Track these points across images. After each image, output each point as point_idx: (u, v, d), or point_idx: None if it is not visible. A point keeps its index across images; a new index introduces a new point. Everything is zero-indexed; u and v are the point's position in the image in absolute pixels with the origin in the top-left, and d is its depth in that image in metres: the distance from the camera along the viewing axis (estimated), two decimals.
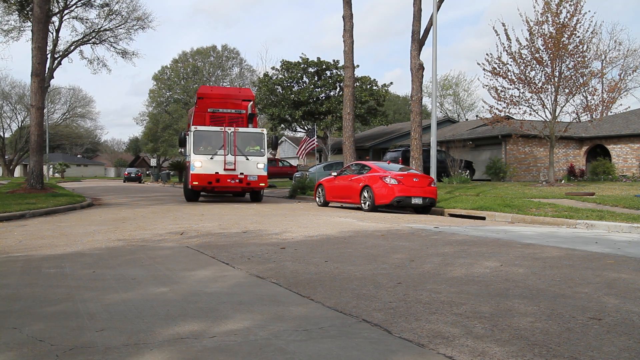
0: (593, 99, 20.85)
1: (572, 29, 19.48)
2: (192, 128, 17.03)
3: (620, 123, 30.71)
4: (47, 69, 21.99)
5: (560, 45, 19.26)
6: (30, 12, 24.78)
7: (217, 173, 16.74)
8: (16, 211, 11.61)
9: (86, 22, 32.81)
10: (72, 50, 32.72)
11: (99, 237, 8.05)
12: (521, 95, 20.65)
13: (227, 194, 19.22)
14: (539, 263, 5.55)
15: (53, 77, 29.37)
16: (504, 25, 20.41)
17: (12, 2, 27.09)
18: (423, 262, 5.66)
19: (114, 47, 34.38)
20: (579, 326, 3.33)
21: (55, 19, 29.47)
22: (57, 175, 68.56)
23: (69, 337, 3.20)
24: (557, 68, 19.91)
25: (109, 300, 4.10)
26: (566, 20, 19.50)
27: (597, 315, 3.56)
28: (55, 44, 29.90)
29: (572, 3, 19.51)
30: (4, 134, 71.88)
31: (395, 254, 6.22)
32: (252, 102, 18.89)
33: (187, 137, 17.29)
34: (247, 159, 17.01)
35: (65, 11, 30.57)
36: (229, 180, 16.83)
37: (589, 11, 41.63)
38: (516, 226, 9.78)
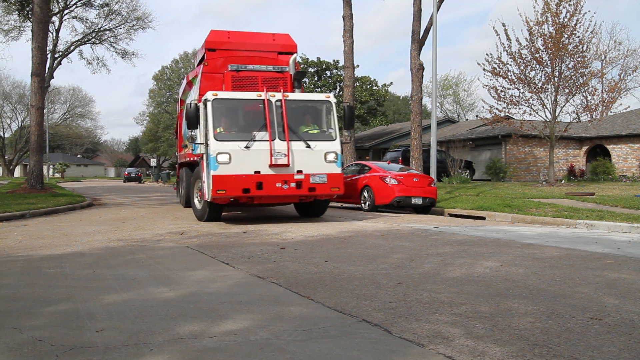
0: (593, 99, 20.85)
1: (572, 29, 19.48)
2: (209, 95, 9.78)
3: (620, 123, 30.70)
4: (47, 69, 21.99)
5: (560, 45, 19.26)
6: (30, 12, 24.78)
7: (258, 173, 9.51)
8: (16, 211, 11.60)
9: (86, 22, 32.85)
10: (72, 50, 32.76)
11: (99, 237, 8.05)
12: (521, 95, 20.66)
13: (269, 205, 12.21)
14: (539, 263, 5.55)
15: (53, 77, 29.39)
16: (504, 25, 20.41)
17: (12, 2, 27.09)
18: (423, 262, 5.66)
19: (113, 47, 34.40)
20: (579, 326, 3.33)
21: (55, 19, 29.49)
22: (57, 175, 68.53)
23: (69, 337, 3.20)
24: (557, 68, 19.91)
25: (109, 300, 4.10)
26: (566, 20, 19.50)
27: (597, 315, 3.56)
28: (55, 44, 29.92)
29: (572, 3, 19.50)
30: (4, 134, 71.88)
31: (395, 254, 6.21)
32: (294, 56, 11.95)
33: (198, 111, 10.00)
34: (308, 147, 9.91)
35: (65, 11, 30.59)
36: (278, 185, 9.61)
37: (589, 11, 41.60)
38: (516, 226, 9.78)
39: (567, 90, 20.28)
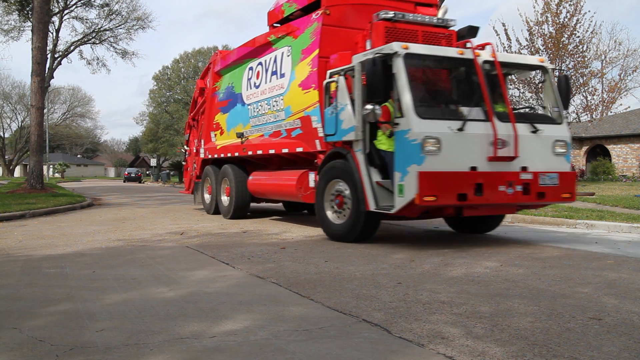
0: (593, 99, 20.89)
1: (572, 29, 19.51)
2: (396, 47, 6.47)
3: (620, 123, 30.70)
4: (47, 69, 21.99)
5: (560, 45, 19.28)
6: (30, 12, 24.79)
7: (474, 169, 6.39)
8: (16, 211, 11.60)
9: (86, 22, 32.83)
10: (72, 50, 32.75)
11: (99, 237, 8.05)
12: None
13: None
14: (539, 263, 5.55)
15: (53, 77, 29.40)
16: (504, 25, 20.52)
17: (12, 2, 27.10)
18: (423, 262, 5.66)
19: (113, 47, 34.39)
20: (579, 326, 3.33)
21: (55, 19, 29.49)
22: (57, 175, 68.55)
23: (69, 337, 3.21)
24: (557, 68, 19.93)
25: (109, 300, 4.11)
26: (566, 20, 19.52)
27: (597, 315, 3.56)
28: (55, 44, 29.91)
29: (572, 3, 19.53)
30: (4, 134, 71.89)
31: (395, 254, 6.22)
32: (445, 8, 8.54)
33: (385, 71, 6.43)
34: (535, 131, 6.81)
35: (65, 11, 30.58)
36: (501, 189, 6.43)
37: (589, 11, 41.59)
38: (516, 226, 9.78)
39: None
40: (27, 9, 26.27)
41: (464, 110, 6.66)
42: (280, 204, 12.75)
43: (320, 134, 7.84)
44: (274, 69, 9.30)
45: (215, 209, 11.48)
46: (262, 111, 9.66)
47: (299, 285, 4.53)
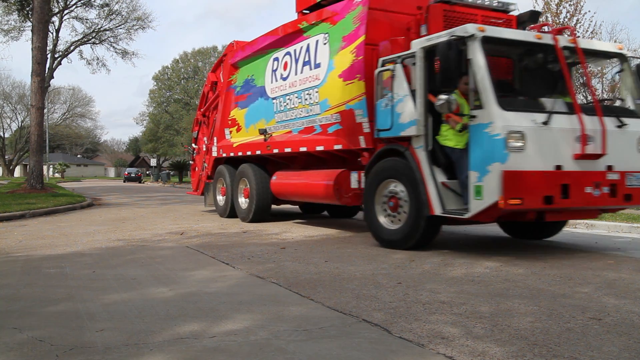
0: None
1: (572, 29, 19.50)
2: (472, 29, 5.74)
3: None
4: (47, 69, 21.99)
5: None
6: (30, 12, 24.79)
7: (559, 168, 5.64)
8: (16, 211, 11.60)
9: (86, 22, 32.82)
10: (72, 50, 32.72)
11: (99, 237, 8.05)
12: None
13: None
14: (539, 263, 5.55)
15: (53, 77, 29.38)
16: None
17: (12, 2, 27.11)
18: (423, 262, 5.66)
19: (113, 47, 34.38)
20: (579, 326, 3.33)
21: (55, 19, 29.48)
22: (57, 175, 68.56)
23: (69, 337, 3.21)
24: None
25: (109, 300, 4.11)
26: (566, 20, 19.50)
27: (597, 315, 3.56)
28: (55, 44, 29.89)
29: (572, 3, 19.51)
30: (4, 134, 71.89)
31: (395, 254, 6.21)
32: None
33: (455, 53, 5.61)
34: (621, 126, 6.10)
35: (65, 11, 30.57)
36: (588, 191, 5.69)
37: (589, 11, 41.53)
38: None
39: None
40: (27, 9, 26.26)
41: (547, 102, 5.95)
42: (297, 207, 12.13)
43: (366, 130, 7.13)
44: (307, 59, 8.48)
45: (231, 211, 10.69)
46: (290, 105, 8.86)
47: (299, 285, 4.53)
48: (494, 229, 8.20)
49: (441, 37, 5.93)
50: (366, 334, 3.24)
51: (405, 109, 6.37)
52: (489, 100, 5.50)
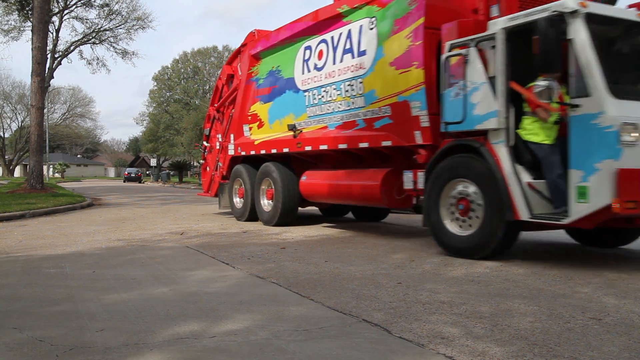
0: None
1: None
2: (576, 6, 4.96)
3: None
4: (47, 69, 21.98)
5: None
6: (30, 12, 24.79)
7: None
8: (16, 211, 11.61)
9: (86, 22, 32.82)
10: (72, 50, 32.70)
11: (99, 237, 8.06)
12: None
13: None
14: (539, 263, 5.55)
15: (53, 77, 29.37)
16: None
17: (12, 2, 27.11)
18: (423, 262, 5.66)
19: (113, 47, 34.38)
20: (579, 326, 3.33)
21: (55, 19, 29.48)
22: (57, 175, 68.56)
23: (69, 337, 3.21)
24: None
25: (109, 300, 4.11)
26: None
27: (597, 315, 3.56)
28: (55, 44, 29.88)
29: None
30: (4, 134, 71.89)
31: (395, 254, 6.22)
32: None
33: (556, 32, 4.92)
34: None
35: (65, 11, 30.56)
36: None
37: None
38: None
39: None
40: (27, 9, 26.28)
41: None
42: (316, 209, 11.22)
43: (424, 124, 6.33)
44: (348, 46, 7.68)
45: (251, 214, 9.90)
46: (327, 98, 8.05)
47: (299, 285, 4.53)
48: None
49: (531, 15, 5.21)
50: (366, 334, 3.24)
51: (482, 99, 5.59)
52: (598, 87, 4.76)
